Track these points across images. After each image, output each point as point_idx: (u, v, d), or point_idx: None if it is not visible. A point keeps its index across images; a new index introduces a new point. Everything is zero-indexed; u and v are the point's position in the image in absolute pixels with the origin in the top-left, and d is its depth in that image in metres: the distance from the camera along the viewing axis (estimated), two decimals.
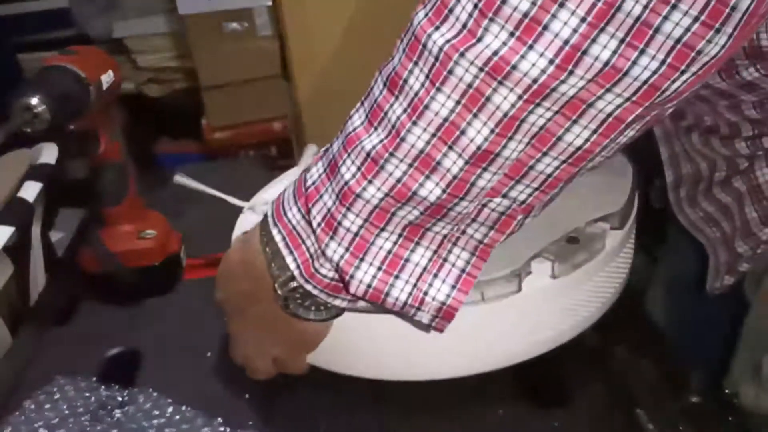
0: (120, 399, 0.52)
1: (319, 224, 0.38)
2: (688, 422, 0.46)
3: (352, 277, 0.38)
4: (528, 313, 0.46)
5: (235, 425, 0.49)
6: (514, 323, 0.46)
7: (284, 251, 0.40)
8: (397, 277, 0.39)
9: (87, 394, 0.52)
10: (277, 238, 0.40)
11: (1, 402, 0.52)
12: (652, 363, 0.52)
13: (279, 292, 0.41)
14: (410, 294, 0.39)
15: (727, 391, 0.54)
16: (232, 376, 0.54)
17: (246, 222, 0.59)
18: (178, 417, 0.50)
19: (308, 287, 0.40)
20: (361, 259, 0.38)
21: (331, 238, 0.38)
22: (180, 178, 0.57)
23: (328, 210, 0.38)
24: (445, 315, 0.40)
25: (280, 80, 1.61)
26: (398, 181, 0.35)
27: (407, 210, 0.37)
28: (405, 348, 0.47)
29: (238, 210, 0.60)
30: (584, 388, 0.49)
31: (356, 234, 0.37)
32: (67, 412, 0.51)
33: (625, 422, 0.47)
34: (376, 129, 0.36)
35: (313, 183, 0.39)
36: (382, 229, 0.38)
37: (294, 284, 0.40)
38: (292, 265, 0.40)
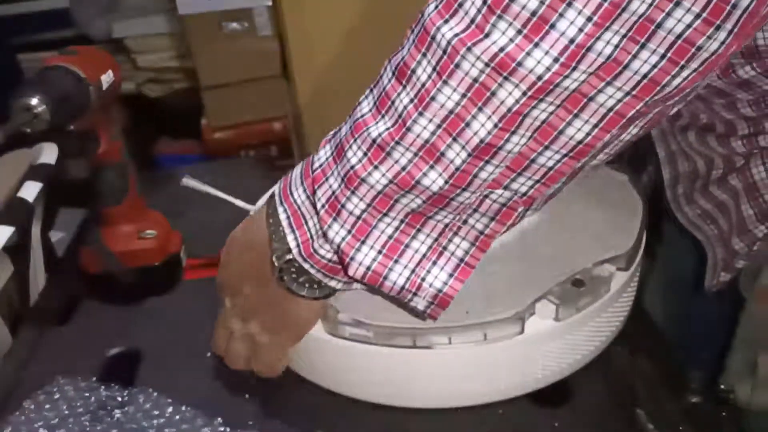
0: (120, 399, 0.52)
1: (323, 206, 0.39)
2: (688, 422, 0.46)
3: (352, 259, 0.39)
4: (529, 353, 0.46)
5: (235, 425, 0.49)
6: (515, 362, 0.46)
7: (287, 230, 0.41)
8: (396, 261, 0.40)
9: (87, 394, 0.52)
10: (282, 216, 0.41)
11: (1, 402, 0.52)
12: (652, 363, 0.52)
13: (276, 264, 0.42)
14: (408, 279, 0.40)
15: (722, 387, 0.54)
16: (232, 376, 0.54)
17: None
18: (178, 417, 0.50)
19: (306, 266, 0.41)
20: (362, 242, 0.39)
21: (334, 219, 0.39)
22: (188, 181, 0.57)
23: (333, 192, 0.38)
24: (440, 302, 0.41)
25: (280, 80, 1.61)
26: (403, 168, 0.36)
27: (410, 198, 0.37)
28: (407, 379, 0.47)
29: (240, 211, 0.60)
30: (584, 388, 0.49)
31: (359, 217, 0.38)
32: (66, 412, 0.51)
33: (625, 422, 0.47)
34: (383, 116, 0.36)
35: (320, 165, 0.40)
36: (385, 215, 0.38)
37: (290, 256, 0.41)
38: (292, 244, 0.41)
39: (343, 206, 0.38)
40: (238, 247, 0.46)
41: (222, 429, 0.49)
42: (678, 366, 0.52)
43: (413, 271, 0.40)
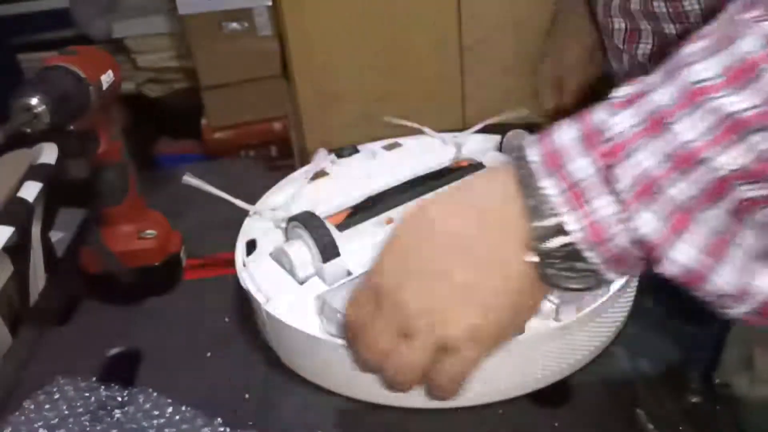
0: (120, 399, 0.52)
1: (630, 188, 0.33)
2: (688, 422, 0.46)
3: (664, 254, 0.33)
4: (529, 353, 0.46)
5: (235, 425, 0.49)
6: (515, 362, 0.46)
7: (561, 207, 0.34)
8: (721, 262, 0.33)
9: (87, 394, 0.52)
10: (551, 190, 0.35)
11: (1, 402, 0.52)
12: (652, 363, 0.52)
13: (536, 246, 0.35)
14: (734, 284, 0.33)
15: (717, 381, 0.53)
16: (232, 376, 0.54)
17: (252, 226, 0.60)
18: (177, 417, 0.50)
19: (589, 254, 0.35)
20: (680, 236, 0.33)
21: (645, 206, 0.32)
22: (189, 179, 0.57)
23: (645, 172, 0.32)
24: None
25: (280, 80, 1.61)
26: (762, 157, 0.30)
27: (756, 187, 0.31)
28: None
29: (239, 210, 0.60)
30: (584, 388, 0.49)
31: (681, 206, 0.32)
32: (66, 412, 0.51)
33: (625, 422, 0.47)
34: (741, 90, 0.30)
35: (619, 135, 0.33)
36: (713, 204, 0.32)
37: (560, 241, 0.35)
38: (574, 226, 0.34)
39: (661, 191, 0.32)
40: (452, 216, 0.38)
41: (222, 429, 0.49)
42: (678, 366, 0.52)
43: (740, 273, 0.33)
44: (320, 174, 0.67)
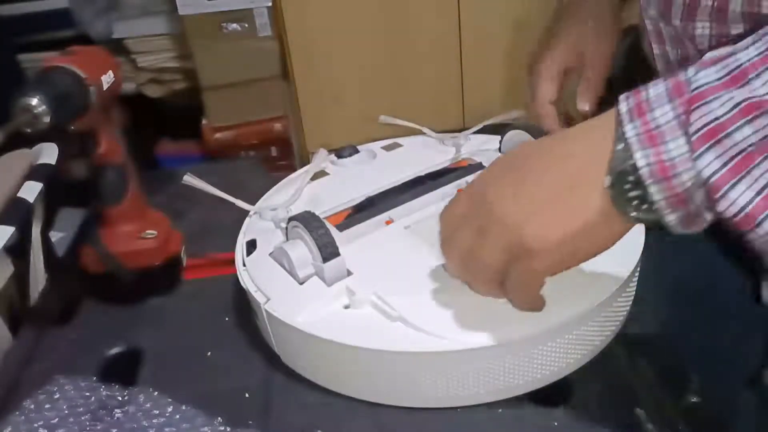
0: (120, 398, 0.52)
1: (697, 131, 0.35)
2: (688, 422, 0.46)
3: (723, 195, 0.35)
4: (529, 353, 0.46)
5: (235, 425, 0.49)
6: (515, 362, 0.47)
7: (634, 146, 0.37)
8: None
9: (87, 394, 0.52)
10: (630, 133, 0.37)
11: (1, 402, 0.52)
12: (652, 363, 0.52)
13: (610, 166, 0.38)
14: None
15: None
16: (232, 376, 0.54)
17: (252, 226, 0.60)
18: (178, 416, 0.50)
19: (652, 189, 0.37)
20: (739, 180, 0.35)
21: (709, 148, 0.35)
22: (189, 179, 0.57)
23: (716, 118, 0.35)
24: None
25: (280, 80, 1.61)
26: None
27: None
28: (407, 379, 0.47)
29: (239, 210, 0.61)
30: (584, 388, 0.49)
31: (743, 150, 0.35)
32: (67, 411, 0.51)
33: (625, 422, 0.47)
34: None
35: (700, 87, 0.36)
36: None
37: (629, 164, 0.37)
38: (641, 162, 0.37)
39: (727, 135, 0.34)
40: (547, 158, 0.41)
41: (222, 428, 0.49)
42: (678, 366, 0.52)
43: None
44: (320, 174, 0.67)
